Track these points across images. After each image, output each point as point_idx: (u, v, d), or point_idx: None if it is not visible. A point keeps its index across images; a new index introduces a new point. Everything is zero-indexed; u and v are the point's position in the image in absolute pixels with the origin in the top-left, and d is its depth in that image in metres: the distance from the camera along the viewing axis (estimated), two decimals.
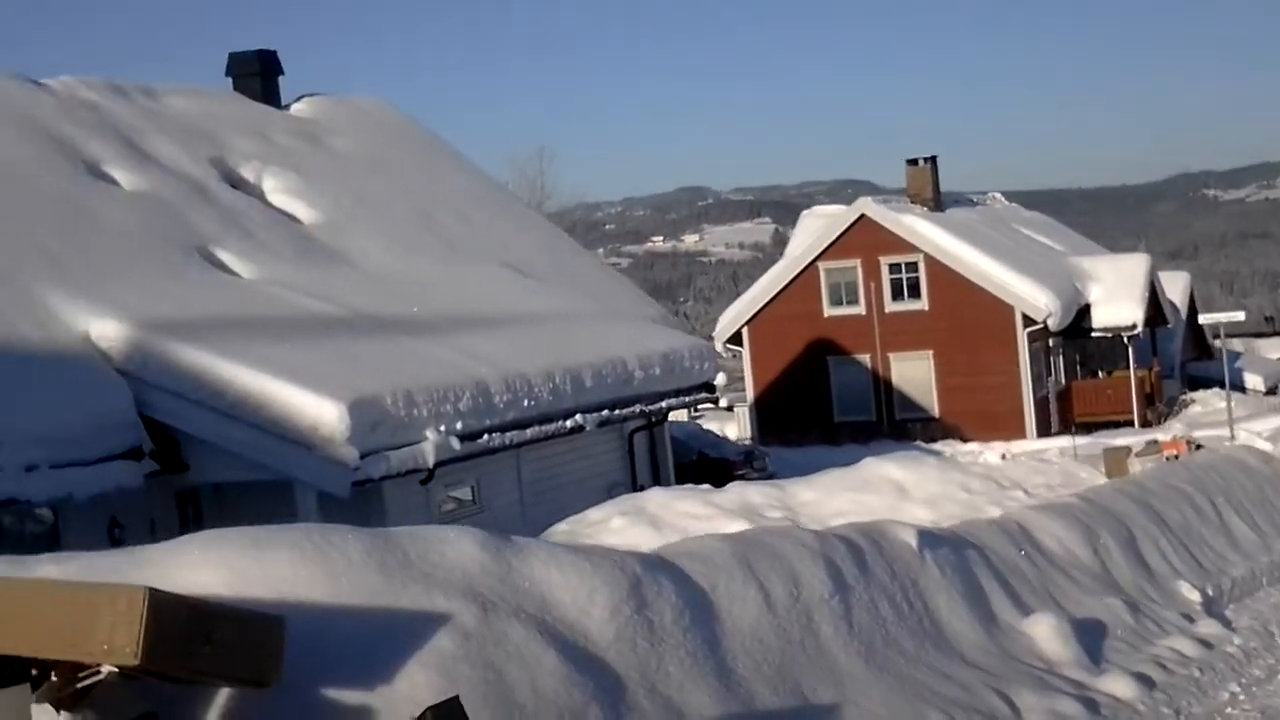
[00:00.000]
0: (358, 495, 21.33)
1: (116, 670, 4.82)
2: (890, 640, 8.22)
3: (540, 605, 6.44)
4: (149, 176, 27.29)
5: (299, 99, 34.83)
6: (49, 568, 5.97)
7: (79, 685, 4.83)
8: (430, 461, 22.36)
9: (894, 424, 46.48)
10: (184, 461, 22.33)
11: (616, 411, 26.91)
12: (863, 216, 47.32)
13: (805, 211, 53.94)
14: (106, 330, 22.10)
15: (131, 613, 4.70)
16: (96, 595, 4.79)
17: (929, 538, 9.51)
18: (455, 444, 22.85)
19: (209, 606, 5.06)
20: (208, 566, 5.96)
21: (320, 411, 21.15)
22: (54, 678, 4.80)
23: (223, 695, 5.49)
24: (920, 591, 8.86)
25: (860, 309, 47.28)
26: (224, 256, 26.26)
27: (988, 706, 8.10)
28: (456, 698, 5.21)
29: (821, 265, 47.76)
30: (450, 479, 24.09)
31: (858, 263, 47.19)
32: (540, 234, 35.28)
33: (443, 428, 22.77)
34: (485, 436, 23.73)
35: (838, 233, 47.53)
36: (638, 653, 6.57)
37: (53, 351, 21.55)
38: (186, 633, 4.88)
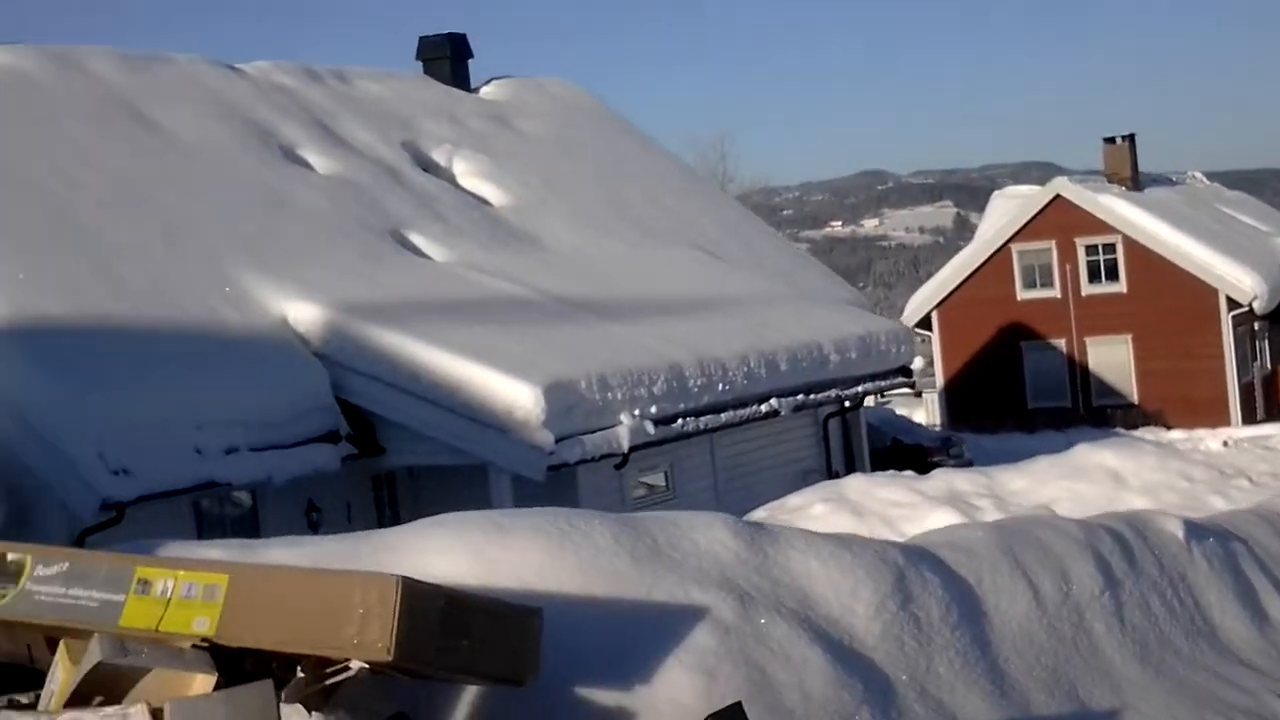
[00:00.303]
0: (551, 480, 21.09)
1: (367, 666, 4.39)
2: (1164, 640, 7.53)
3: (800, 599, 5.90)
4: (342, 160, 27.39)
5: (488, 82, 34.79)
6: (281, 552, 5.59)
7: (326, 683, 4.41)
8: (625, 446, 22.05)
9: (1091, 410, 45.01)
10: (379, 445, 22.29)
11: (812, 396, 26.28)
12: (1058, 197, 45.88)
13: (996, 192, 52.55)
14: (303, 313, 22.15)
15: (384, 604, 4.26)
16: (346, 584, 4.36)
17: (1195, 529, 8.78)
18: (649, 428, 22.49)
19: (465, 597, 4.59)
20: (450, 552, 5.51)
21: (516, 395, 20.95)
22: (300, 674, 4.39)
23: (470, 694, 5.04)
24: (1189, 587, 8.14)
25: (1055, 292, 45.86)
26: (416, 239, 26.25)
27: (1274, 714, 7.38)
28: (739, 705, 4.69)
29: (1014, 247, 46.42)
30: (644, 464, 23.75)
31: (1052, 244, 45.77)
32: (729, 216, 34.75)
33: (637, 412, 22.44)
34: (679, 421, 23.34)
35: (1031, 214, 46.14)
36: (906, 652, 5.99)
37: (251, 335, 21.65)
38: (442, 626, 4.42)
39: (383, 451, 22.36)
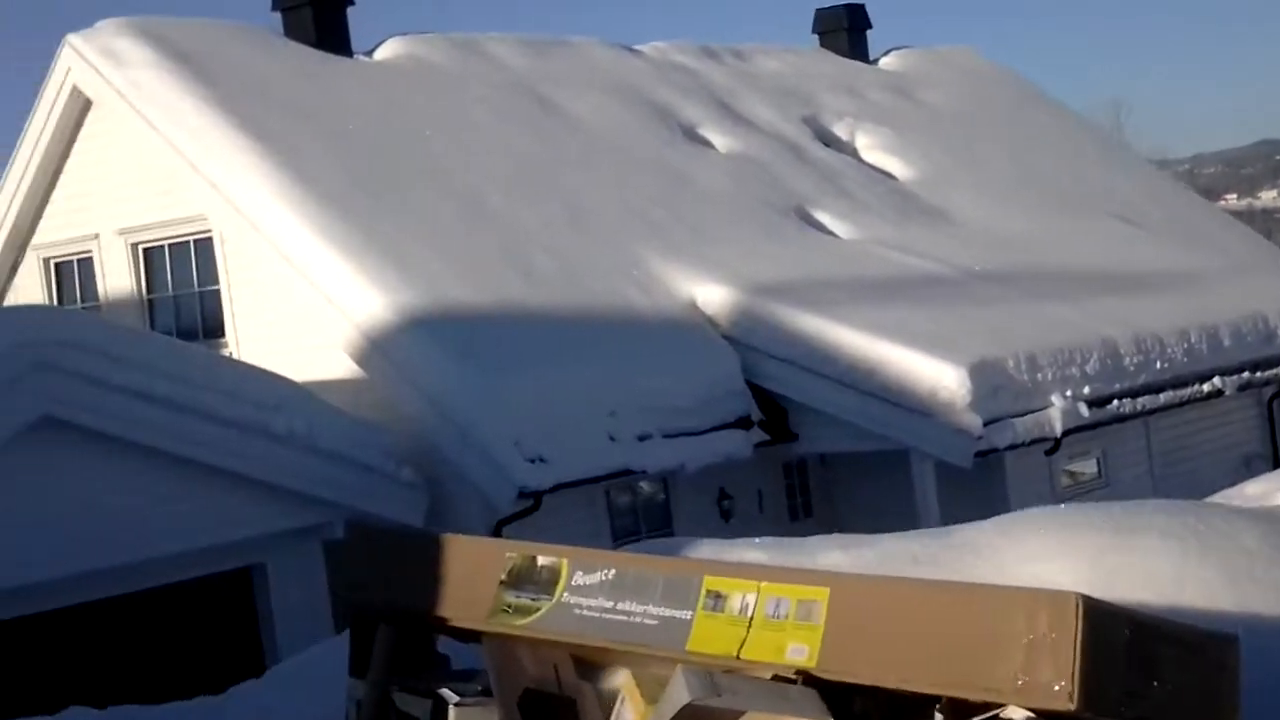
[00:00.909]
0: (978, 467, 19.78)
1: (1033, 716, 3.26)
2: None
3: None
4: (743, 138, 26.68)
5: (887, 53, 33.52)
6: (835, 555, 4.54)
7: None
8: (1058, 430, 20.51)
9: None
10: (791, 431, 21.39)
11: (1259, 374, 24.08)
12: None
13: None
14: (711, 295, 21.48)
15: (1061, 632, 3.11)
16: (1004, 604, 3.23)
17: None
18: (1083, 410, 20.88)
19: (1155, 624, 3.40)
20: (1059, 557, 4.36)
21: (939, 376, 19.72)
22: None
23: None
24: None
25: None
26: (821, 217, 25.31)
27: None
28: None
29: None
30: (1074, 449, 22.07)
31: None
32: (1149, 182, 32.52)
33: (1069, 393, 20.88)
34: (1114, 402, 21.63)
35: None
36: None
37: (659, 318, 21.12)
38: (1128, 662, 3.26)
39: (795, 438, 21.45)
